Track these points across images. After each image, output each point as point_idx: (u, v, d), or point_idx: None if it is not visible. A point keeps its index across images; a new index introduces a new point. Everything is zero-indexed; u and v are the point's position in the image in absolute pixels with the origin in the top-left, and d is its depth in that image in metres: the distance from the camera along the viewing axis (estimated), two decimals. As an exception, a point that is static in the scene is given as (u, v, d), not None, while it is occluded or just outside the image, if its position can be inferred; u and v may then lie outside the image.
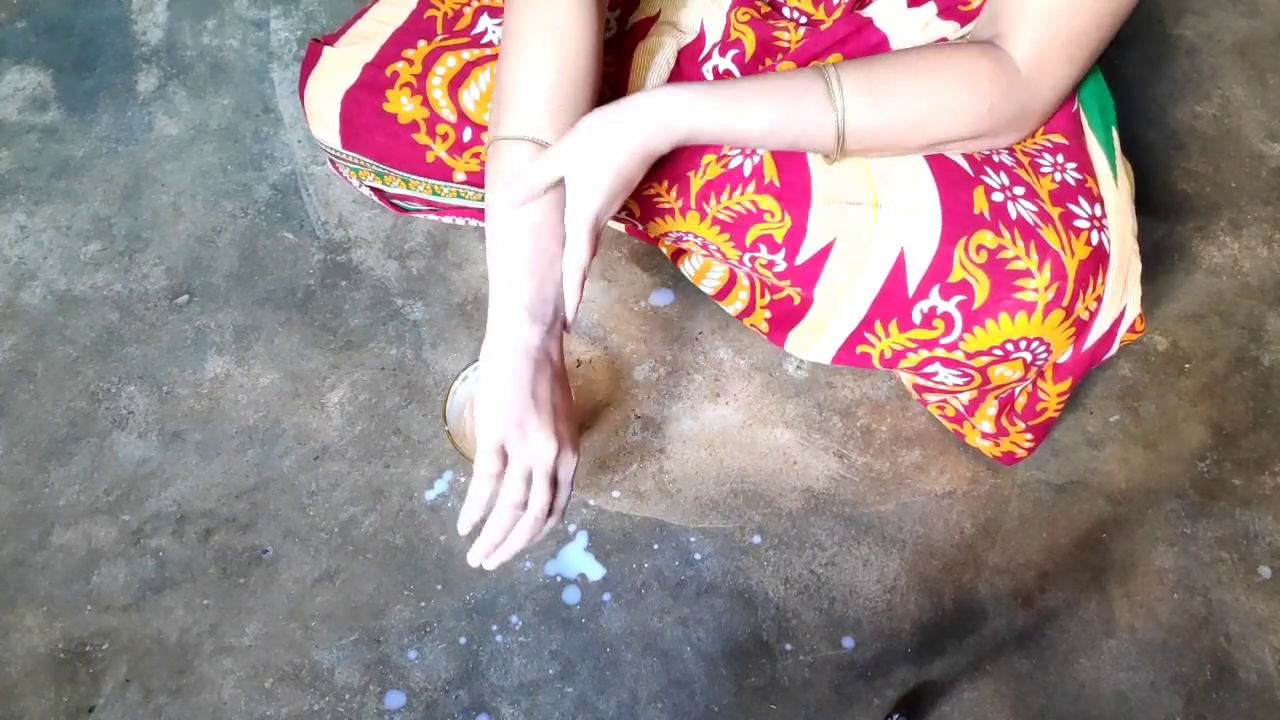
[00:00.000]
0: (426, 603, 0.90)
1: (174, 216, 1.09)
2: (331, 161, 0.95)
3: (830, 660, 0.88)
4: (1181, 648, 0.90)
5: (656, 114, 0.71)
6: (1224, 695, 0.88)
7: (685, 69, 0.83)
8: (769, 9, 0.85)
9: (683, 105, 0.71)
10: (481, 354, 0.71)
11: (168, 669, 0.87)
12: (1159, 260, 1.09)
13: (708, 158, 0.81)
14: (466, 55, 0.83)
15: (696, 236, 0.83)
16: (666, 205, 0.84)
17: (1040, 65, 0.72)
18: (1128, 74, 1.22)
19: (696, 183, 0.82)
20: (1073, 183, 0.76)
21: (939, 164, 0.76)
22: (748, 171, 0.80)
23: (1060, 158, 0.78)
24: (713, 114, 0.71)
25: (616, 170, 0.70)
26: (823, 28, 0.82)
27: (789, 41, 0.83)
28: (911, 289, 0.75)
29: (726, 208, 0.80)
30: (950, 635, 0.90)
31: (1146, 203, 1.11)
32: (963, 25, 0.79)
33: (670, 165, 0.82)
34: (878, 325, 0.78)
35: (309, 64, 0.88)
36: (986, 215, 0.74)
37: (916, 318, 0.76)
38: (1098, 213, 0.75)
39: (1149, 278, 1.02)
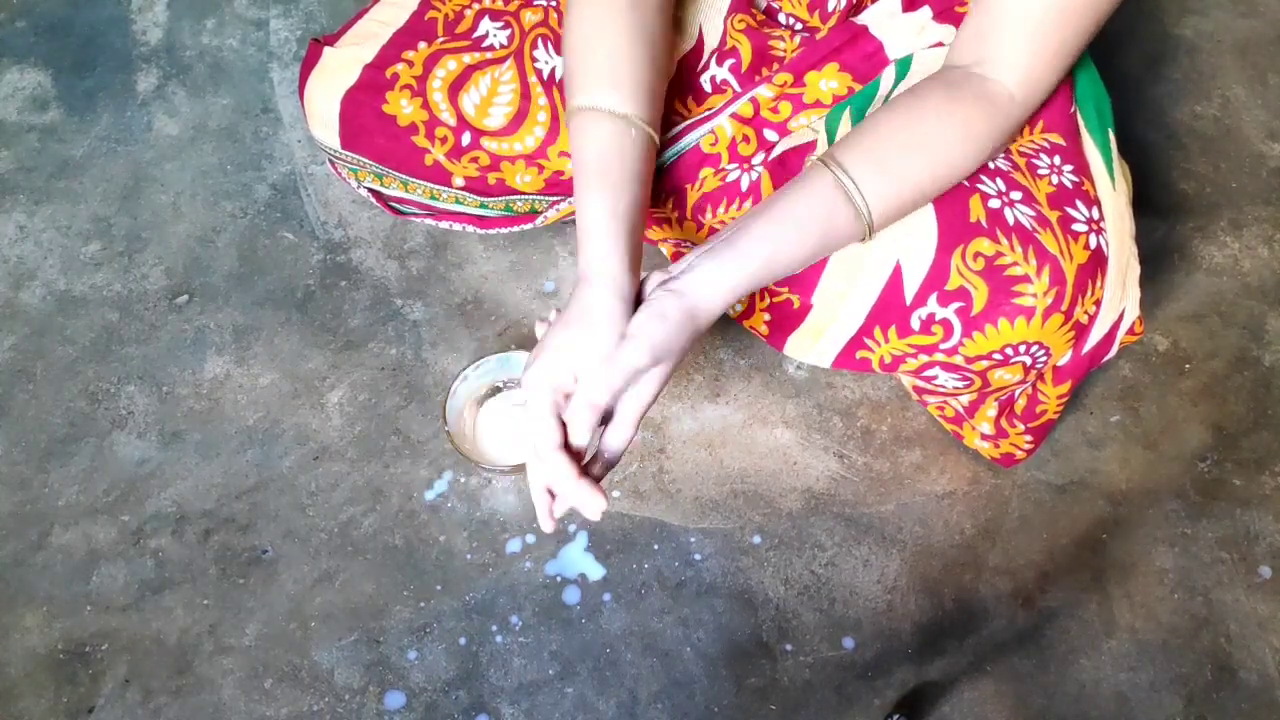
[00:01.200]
0: (426, 603, 0.90)
1: (174, 216, 1.09)
2: (331, 162, 0.95)
3: (830, 660, 0.88)
4: (1181, 648, 0.90)
5: (707, 307, 0.67)
6: (1224, 695, 0.88)
7: (684, 79, 0.83)
8: (764, 17, 0.85)
9: (729, 287, 0.68)
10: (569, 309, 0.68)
11: (167, 669, 0.87)
12: (1159, 260, 1.09)
13: (705, 171, 0.81)
14: (467, 59, 0.83)
15: (694, 244, 0.83)
16: (664, 215, 0.84)
17: (1030, 83, 0.72)
18: (1128, 74, 1.22)
19: (693, 195, 0.82)
20: (1070, 185, 0.76)
21: None
22: (744, 186, 0.80)
23: (1057, 159, 0.78)
24: (756, 276, 0.69)
25: (672, 363, 0.68)
26: (819, 36, 0.82)
27: (784, 51, 0.83)
28: (909, 297, 0.75)
29: (723, 221, 0.80)
30: (950, 635, 0.90)
31: (1146, 203, 1.11)
32: (959, 27, 0.79)
33: (667, 179, 0.82)
34: (876, 331, 0.78)
35: (309, 64, 0.88)
36: (983, 223, 0.73)
37: (915, 324, 0.76)
38: (1095, 216, 0.75)
39: (1149, 278, 1.01)
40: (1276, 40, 1.26)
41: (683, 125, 0.82)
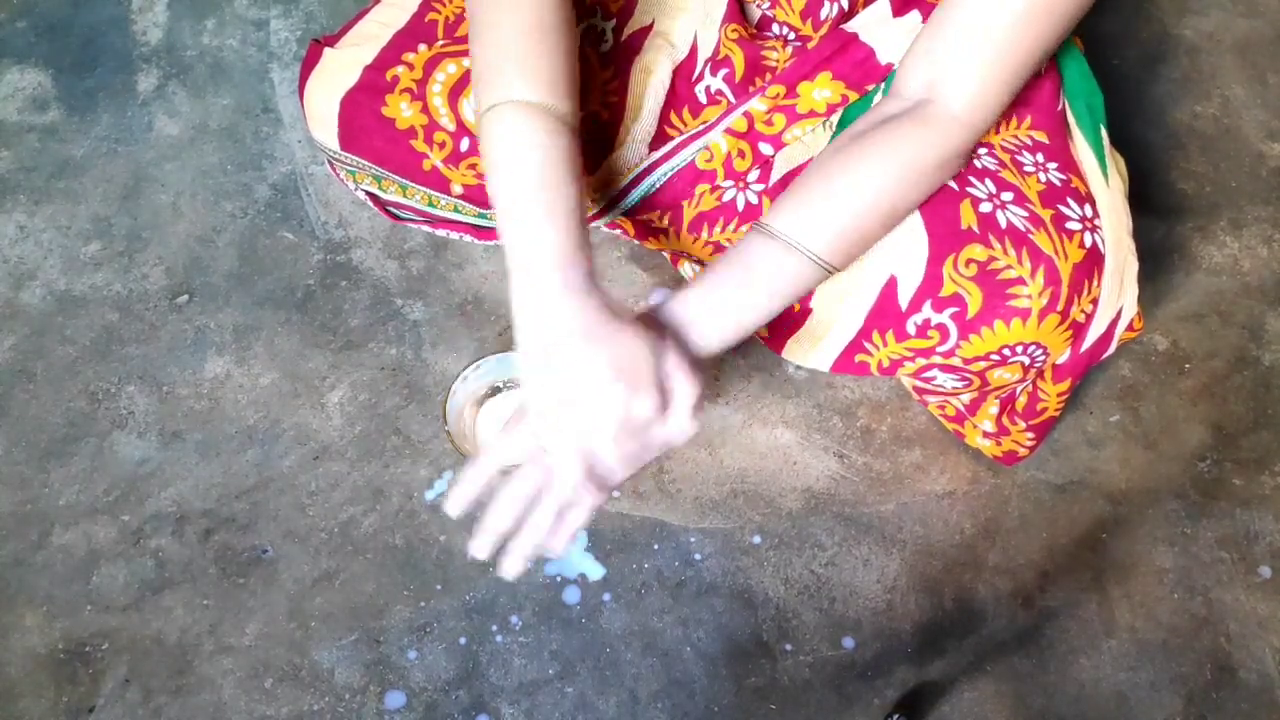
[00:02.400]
0: (426, 603, 0.90)
1: (174, 216, 1.09)
2: (330, 163, 0.95)
3: (830, 660, 0.88)
4: (1181, 648, 0.90)
5: (704, 345, 0.69)
6: (1224, 695, 0.88)
7: (679, 90, 0.83)
8: (754, 31, 0.84)
9: (718, 341, 0.70)
10: (517, 321, 0.64)
11: (168, 669, 0.87)
12: (1159, 260, 1.09)
13: (701, 187, 0.81)
14: (467, 62, 0.83)
15: (691, 254, 0.83)
16: (660, 227, 0.84)
17: (980, 104, 0.71)
18: (1127, 74, 1.22)
19: (689, 213, 0.82)
20: (1058, 183, 0.76)
21: None
22: (741, 206, 0.80)
23: (1040, 157, 0.77)
24: (737, 335, 0.71)
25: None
26: (810, 45, 0.82)
27: (777, 61, 0.83)
28: (904, 304, 0.75)
29: (718, 241, 0.81)
30: (950, 635, 0.90)
31: (1146, 203, 1.11)
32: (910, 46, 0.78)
33: (662, 193, 0.82)
34: (875, 335, 0.79)
35: (309, 64, 0.87)
36: (975, 228, 0.73)
37: (911, 329, 0.76)
38: (1089, 213, 0.75)
39: (1149, 277, 1.02)
40: (1276, 40, 1.26)
41: (677, 140, 0.82)
